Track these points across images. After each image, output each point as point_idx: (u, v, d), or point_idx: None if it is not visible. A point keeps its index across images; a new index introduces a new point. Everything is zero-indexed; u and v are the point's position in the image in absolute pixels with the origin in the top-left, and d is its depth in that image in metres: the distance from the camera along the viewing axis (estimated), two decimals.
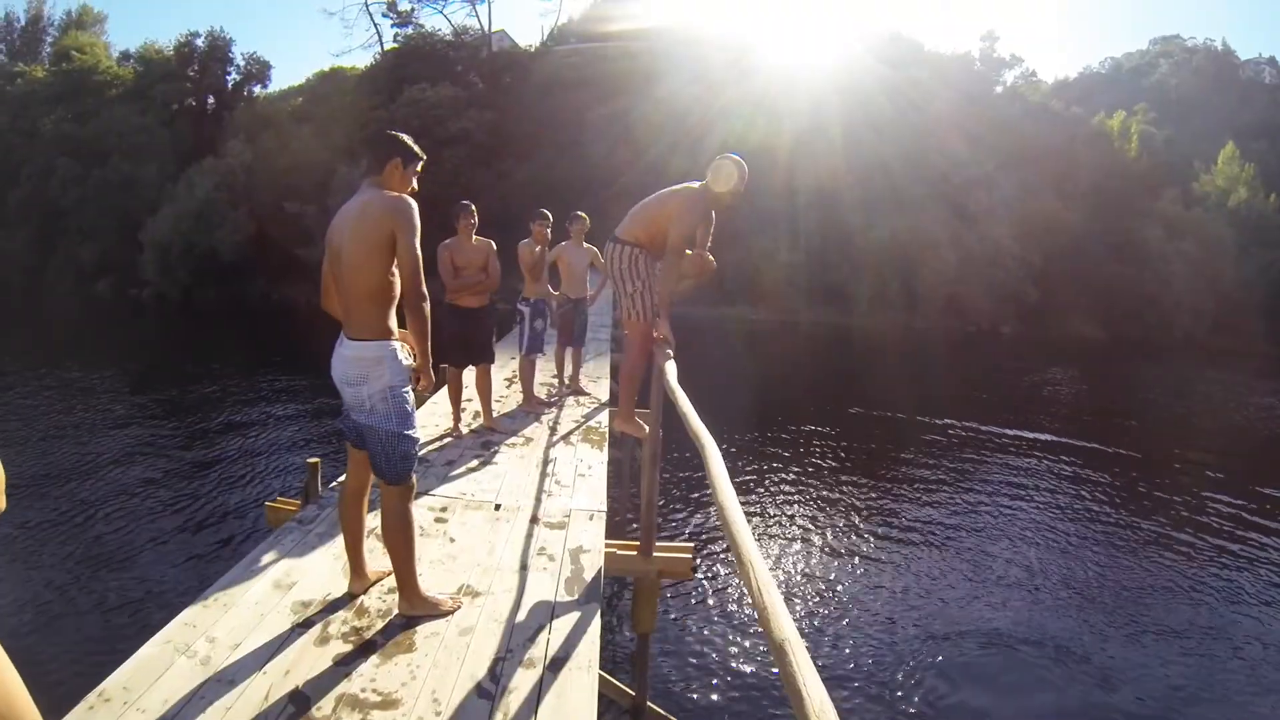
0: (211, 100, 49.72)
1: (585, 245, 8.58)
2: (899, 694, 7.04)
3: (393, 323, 3.33)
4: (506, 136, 40.81)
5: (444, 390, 7.14)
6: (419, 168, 3.44)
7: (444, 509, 4.78)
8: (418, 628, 3.35)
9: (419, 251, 3.22)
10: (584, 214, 8.66)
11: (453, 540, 4.32)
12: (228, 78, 50.02)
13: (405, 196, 3.26)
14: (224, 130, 44.40)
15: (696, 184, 4.63)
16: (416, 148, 3.42)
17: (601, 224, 11.24)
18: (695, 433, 3.24)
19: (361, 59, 56.46)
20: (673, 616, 7.91)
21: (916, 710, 6.84)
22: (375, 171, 3.34)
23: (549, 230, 7.98)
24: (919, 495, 13.00)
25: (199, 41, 48.54)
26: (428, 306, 3.29)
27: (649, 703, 5.67)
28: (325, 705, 2.76)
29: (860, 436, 16.51)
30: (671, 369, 4.11)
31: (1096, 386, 28.76)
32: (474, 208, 6.62)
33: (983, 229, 41.51)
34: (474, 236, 6.62)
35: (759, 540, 9.85)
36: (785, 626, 1.76)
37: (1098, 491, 14.77)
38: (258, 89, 51.06)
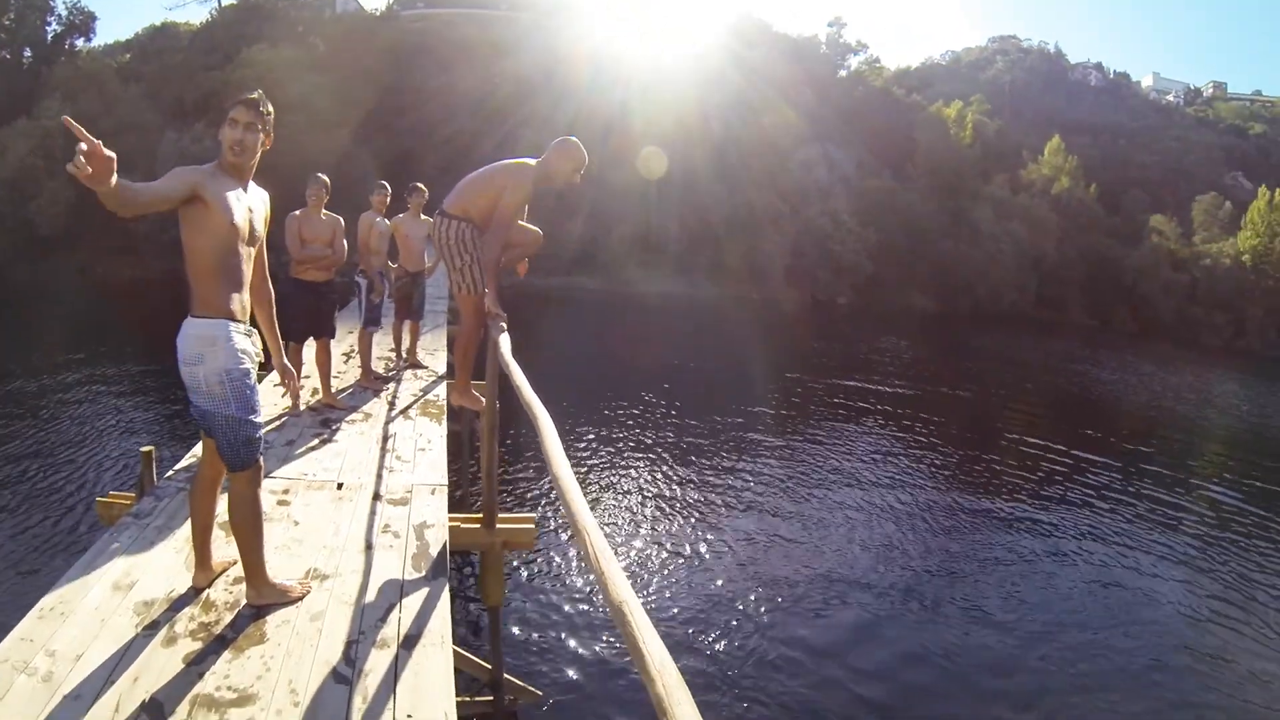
0: (28, 54, 44.59)
1: (423, 217, 8.45)
2: (740, 650, 7.38)
3: (234, 305, 3.16)
4: (349, 103, 39.26)
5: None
6: (237, 116, 3.15)
7: (286, 491, 4.66)
8: (268, 617, 3.27)
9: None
10: (423, 186, 8.52)
11: (297, 523, 4.23)
12: (47, 28, 44.95)
13: (197, 168, 3.06)
14: (41, 88, 40.02)
15: (529, 160, 4.60)
16: (239, 101, 3.17)
17: (438, 194, 11.14)
18: (528, 404, 3.33)
19: (197, 14, 52.40)
20: (522, 587, 7.99)
21: (757, 665, 7.20)
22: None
23: (388, 201, 7.85)
24: (756, 459, 13.56)
25: None
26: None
27: (506, 675, 5.74)
28: (180, 710, 2.66)
29: (698, 404, 16.93)
30: (505, 342, 4.16)
31: (930, 353, 30.81)
32: (327, 181, 6.44)
33: (822, 204, 43.23)
34: (323, 211, 6.44)
35: (598, 509, 10.10)
36: (622, 589, 1.87)
37: (931, 449, 15.97)
38: (80, 42, 46.10)
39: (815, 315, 37.97)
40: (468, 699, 5.71)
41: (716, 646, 7.45)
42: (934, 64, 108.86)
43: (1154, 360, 37.85)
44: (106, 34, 76.90)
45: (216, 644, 3.06)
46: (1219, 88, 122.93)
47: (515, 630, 7.11)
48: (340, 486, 4.83)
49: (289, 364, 3.30)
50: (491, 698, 5.73)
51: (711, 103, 41.10)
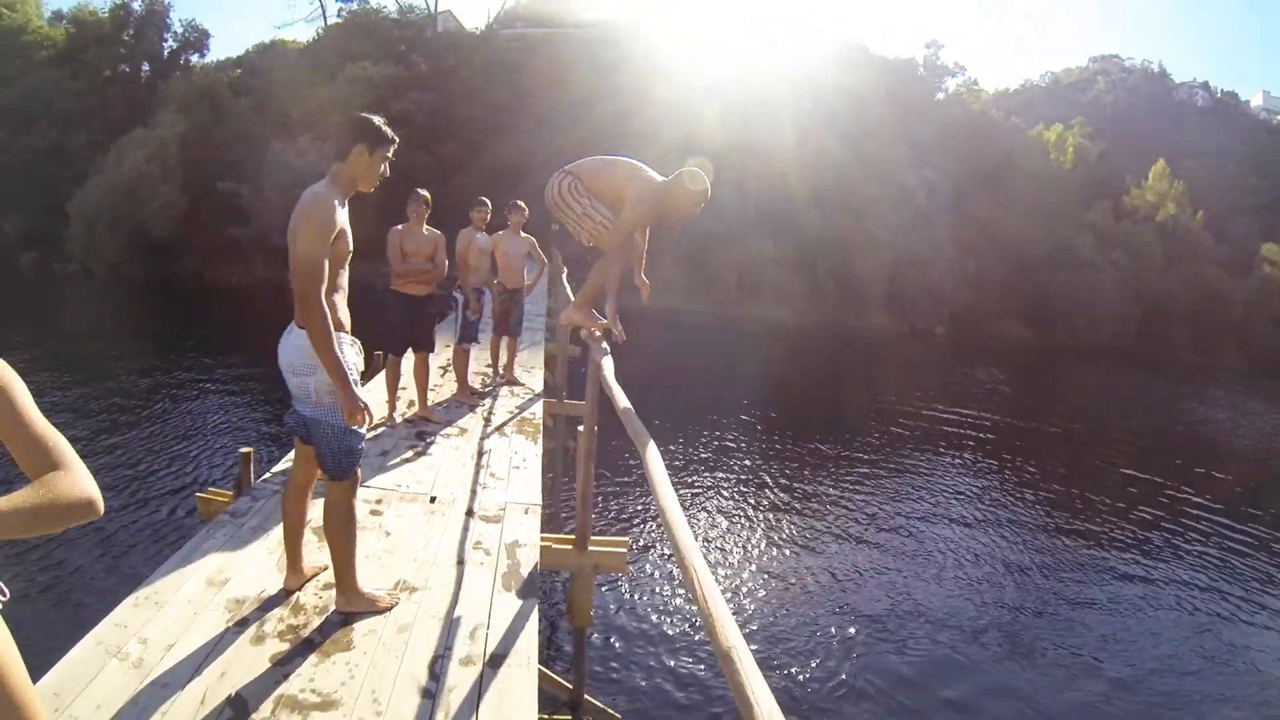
0: (146, 68, 47.25)
1: (523, 234, 8.53)
2: (848, 692, 7.19)
3: (343, 315, 3.22)
4: (448, 120, 40.24)
5: (379, 378, 7.06)
6: (390, 152, 3.25)
7: (379, 501, 4.71)
8: (355, 625, 3.29)
9: (314, 251, 3.00)
10: (523, 204, 8.59)
11: (388, 534, 4.26)
12: (164, 45, 47.55)
13: (319, 195, 3.07)
14: (157, 100, 42.21)
15: (656, 176, 4.47)
16: (387, 129, 3.22)
17: (539, 212, 11.20)
18: (635, 433, 3.23)
19: (304, 33, 55.00)
20: (610, 609, 7.93)
21: (852, 702, 6.99)
22: (340, 158, 3.18)
23: (488, 218, 7.93)
24: (864, 493, 13.23)
25: (135, 4, 46.00)
26: (320, 315, 3.01)
27: (586, 695, 5.67)
28: (264, 708, 2.69)
29: (793, 432, 16.71)
30: (609, 364, 4.09)
31: (1027, 386, 29.70)
32: (428, 196, 6.56)
33: (921, 231, 42.33)
34: (425, 226, 6.56)
35: (701, 539, 9.95)
36: (731, 633, 1.77)
37: (1027, 485, 15.38)
38: (195, 58, 48.67)
39: (912, 344, 37.15)
40: (545, 717, 5.68)
41: (805, 681, 7.27)
42: (1033, 85, 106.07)
43: (1265, 399, 35.62)
44: (219, 51, 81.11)
45: (303, 647, 3.10)
46: None
47: (599, 651, 7.07)
48: (433, 500, 4.86)
49: (358, 395, 3.20)
50: (570, 717, 5.67)
51: (809, 127, 40.66)
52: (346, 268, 3.27)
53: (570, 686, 5.58)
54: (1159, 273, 50.61)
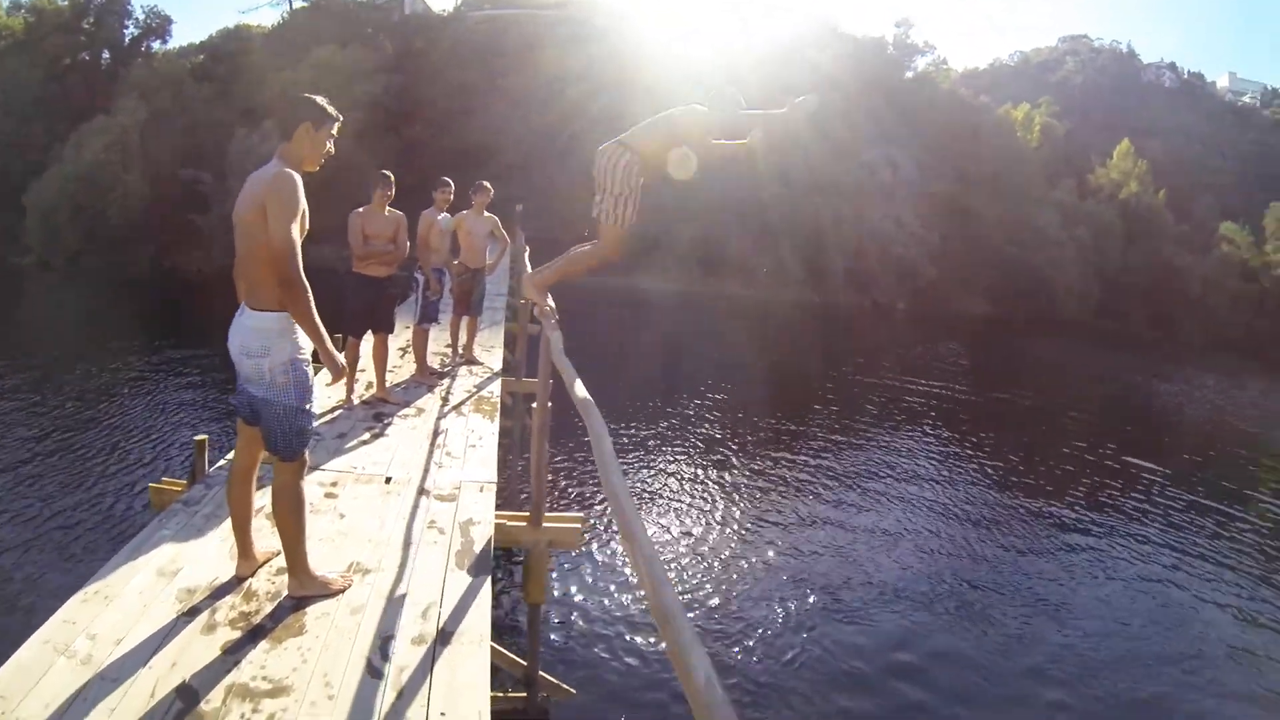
0: (106, 56, 45.80)
1: (486, 214, 8.51)
2: (801, 662, 7.30)
3: None
4: (415, 102, 39.77)
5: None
6: (334, 129, 3.32)
7: (334, 484, 4.69)
8: (308, 609, 3.29)
9: (292, 231, 3.06)
10: (488, 184, 8.56)
11: (343, 516, 4.25)
12: (125, 32, 46.18)
13: (286, 172, 3.11)
14: (118, 88, 40.95)
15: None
16: (330, 108, 3.29)
17: (505, 192, 11.10)
18: (581, 405, 3.27)
19: (269, 17, 53.61)
20: (564, 586, 7.97)
21: (801, 673, 7.10)
22: (285, 137, 3.22)
23: (451, 198, 7.90)
24: (822, 465, 13.37)
25: None
26: (306, 292, 3.10)
27: (541, 672, 5.72)
28: (214, 697, 2.68)
29: (752, 406, 16.80)
30: (558, 339, 4.12)
31: (987, 360, 30.19)
32: (392, 178, 6.53)
33: (885, 208, 42.59)
34: (387, 208, 6.52)
35: (647, 510, 10.01)
36: (669, 601, 1.80)
37: (985, 456, 15.68)
38: (156, 45, 47.17)
39: (874, 319, 37.42)
40: (500, 694, 5.71)
41: (759, 652, 7.38)
42: (1002, 65, 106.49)
43: (1220, 374, 36.46)
44: (181, 37, 78.64)
45: (255, 634, 3.09)
46: None
47: (554, 628, 7.12)
48: (389, 481, 4.86)
49: (338, 356, 3.29)
50: (525, 694, 5.73)
51: (776, 104, 40.62)
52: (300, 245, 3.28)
53: (524, 663, 5.63)
54: (1120, 250, 51.59)
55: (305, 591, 3.36)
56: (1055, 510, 12.98)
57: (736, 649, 7.39)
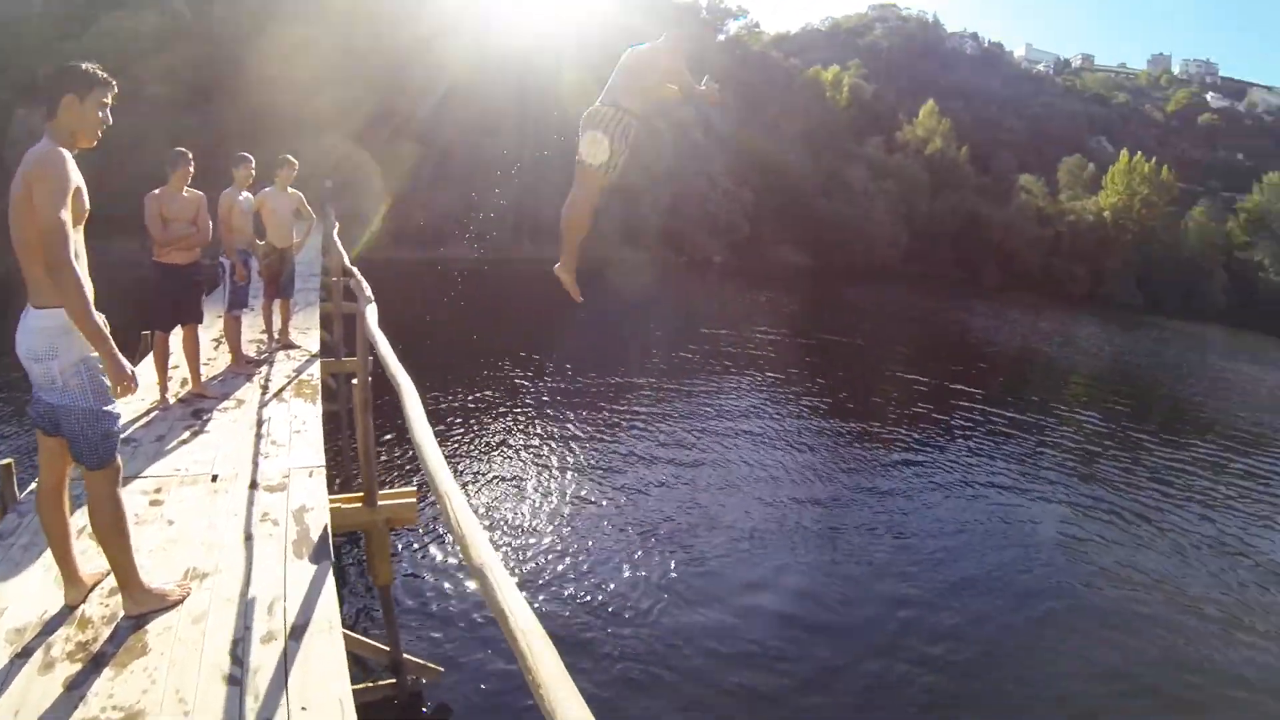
0: None
1: (290, 190, 8.19)
2: (613, 607, 7.59)
3: (86, 286, 2.93)
4: (216, 74, 36.80)
5: (148, 359, 6.57)
6: (107, 97, 3.03)
7: (158, 490, 4.43)
8: (148, 626, 3.14)
9: (58, 213, 2.80)
10: (293, 158, 8.22)
11: (171, 522, 4.05)
12: None
13: (52, 149, 2.87)
14: None
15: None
16: (98, 72, 3.01)
17: (311, 168, 10.66)
18: (391, 371, 3.35)
19: None
20: (413, 564, 7.92)
21: (630, 620, 7.40)
22: (50, 114, 2.95)
23: (253, 175, 7.53)
24: (649, 417, 13.76)
25: None
26: (75, 280, 2.84)
27: (405, 655, 5.70)
28: None
29: (573, 368, 16.89)
30: (372, 313, 4.11)
31: (806, 306, 31.89)
32: (190, 156, 6.11)
33: (698, 165, 43.54)
34: (186, 188, 6.12)
35: (474, 478, 10.05)
36: (483, 550, 1.90)
37: (810, 395, 16.73)
38: None
39: (691, 274, 38.38)
40: (370, 684, 5.67)
41: (591, 606, 7.61)
42: (813, 30, 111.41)
43: (1021, 309, 40.22)
44: None
45: (97, 663, 2.93)
46: (1087, 59, 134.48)
47: (410, 608, 7.06)
48: (215, 479, 4.65)
49: (122, 359, 3.04)
50: (394, 680, 5.70)
51: (589, 67, 40.43)
52: (81, 231, 3.01)
53: (387, 649, 5.60)
54: (927, 201, 56.20)
55: (142, 609, 3.19)
56: (886, 438, 14.13)
57: (567, 605, 7.58)
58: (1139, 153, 65.32)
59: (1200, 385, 27.70)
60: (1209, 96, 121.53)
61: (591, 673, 6.49)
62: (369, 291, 5.43)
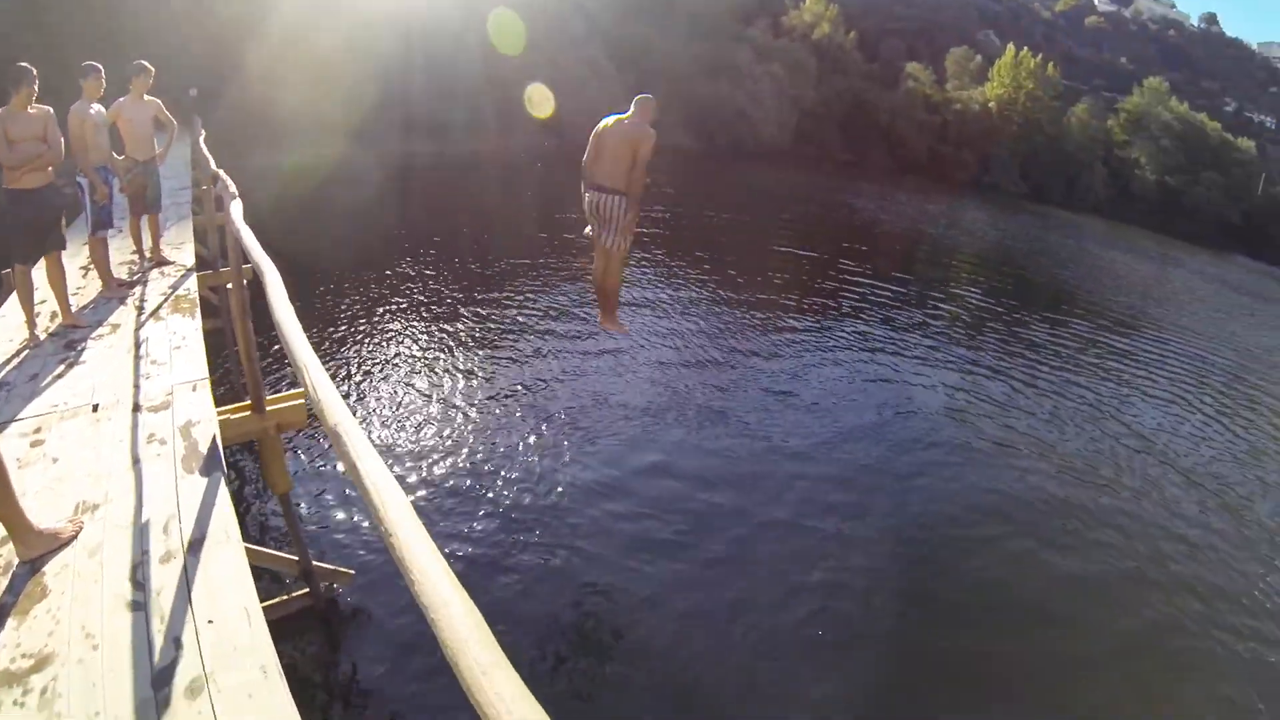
0: None
1: (148, 98, 7.76)
2: (489, 490, 7.97)
3: None
4: None
5: (12, 297, 6.17)
6: None
7: (38, 430, 4.31)
8: (44, 568, 3.13)
9: None
10: (147, 63, 7.75)
11: (55, 460, 3.97)
12: None
13: None
14: None
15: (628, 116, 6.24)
16: None
17: (168, 75, 10.05)
18: (256, 262, 3.41)
19: None
20: (311, 466, 7.96)
21: (507, 509, 7.75)
22: None
23: (103, 86, 7.08)
24: (533, 306, 13.91)
25: None
26: None
27: (315, 563, 5.80)
28: None
29: (466, 260, 16.74)
30: (237, 207, 4.07)
31: (693, 188, 31.73)
32: (35, 72, 5.71)
33: (578, 54, 42.39)
34: (31, 105, 5.74)
35: (356, 378, 10.05)
36: (337, 412, 2.02)
37: (701, 274, 17.07)
38: None
39: (575, 162, 37.71)
40: (285, 597, 5.78)
41: (477, 488, 7.97)
42: None
43: (908, 192, 41.28)
44: None
45: None
46: None
47: (313, 515, 7.14)
48: (96, 409, 4.57)
49: None
50: (307, 589, 5.81)
51: None
52: None
53: (296, 558, 5.67)
54: (814, 84, 55.89)
55: (35, 552, 3.19)
56: (778, 314, 14.83)
57: (464, 485, 7.92)
58: (1025, 48, 67.34)
59: (1079, 270, 29.59)
60: (1096, 1, 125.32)
61: (475, 559, 6.91)
62: (234, 188, 5.34)
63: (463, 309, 13.32)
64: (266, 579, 5.90)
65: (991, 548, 8.42)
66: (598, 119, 6.27)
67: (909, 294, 18.11)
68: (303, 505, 7.17)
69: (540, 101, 33.57)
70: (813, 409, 10.85)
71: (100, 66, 7.01)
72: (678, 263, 17.92)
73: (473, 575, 6.57)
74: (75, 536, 3.33)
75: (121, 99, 7.65)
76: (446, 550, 6.83)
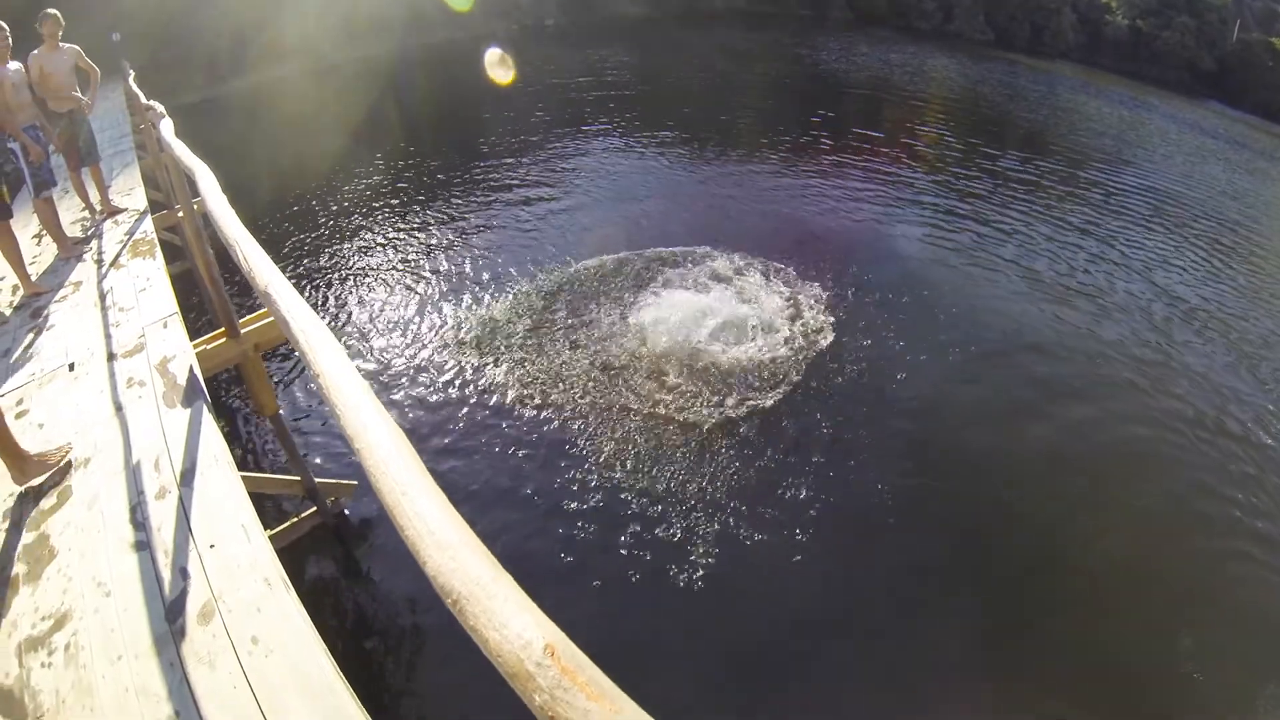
0: None
1: (63, 45, 7.41)
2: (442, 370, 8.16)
3: None
4: None
5: None
6: None
7: (19, 401, 4.31)
8: (49, 531, 3.18)
9: None
10: (54, 10, 7.38)
11: (42, 426, 3.98)
12: None
13: None
14: None
15: None
16: None
17: (80, 22, 9.60)
18: (187, 166, 3.37)
19: None
20: (300, 383, 7.98)
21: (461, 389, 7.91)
22: None
23: (9, 44, 6.74)
24: (499, 184, 13.71)
25: None
26: None
27: (317, 479, 5.88)
28: (9, 667, 2.64)
29: (422, 151, 16.13)
30: (168, 125, 3.98)
31: (650, 54, 30.73)
32: None
33: None
34: None
35: (308, 279, 10.13)
36: (267, 274, 2.04)
37: (667, 138, 16.84)
38: None
39: (526, 40, 36.47)
40: (295, 520, 5.86)
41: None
42: None
43: (870, 43, 39.83)
44: None
45: (11, 587, 2.98)
46: None
47: (308, 432, 7.20)
48: (72, 367, 4.58)
49: None
50: (315, 507, 5.92)
51: None
52: None
53: (298, 478, 5.73)
54: None
55: (29, 478, 3.30)
56: (751, 168, 14.66)
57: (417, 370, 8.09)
58: None
59: (1049, 113, 28.76)
60: None
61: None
62: (161, 108, 5.23)
63: (421, 195, 13.27)
64: (273, 505, 6.04)
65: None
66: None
67: (876, 137, 18.09)
68: (294, 426, 7.21)
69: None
70: (794, 257, 10.89)
71: (4, 25, 6.65)
72: (641, 129, 17.44)
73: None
74: (65, 458, 3.45)
75: (35, 50, 7.32)
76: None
